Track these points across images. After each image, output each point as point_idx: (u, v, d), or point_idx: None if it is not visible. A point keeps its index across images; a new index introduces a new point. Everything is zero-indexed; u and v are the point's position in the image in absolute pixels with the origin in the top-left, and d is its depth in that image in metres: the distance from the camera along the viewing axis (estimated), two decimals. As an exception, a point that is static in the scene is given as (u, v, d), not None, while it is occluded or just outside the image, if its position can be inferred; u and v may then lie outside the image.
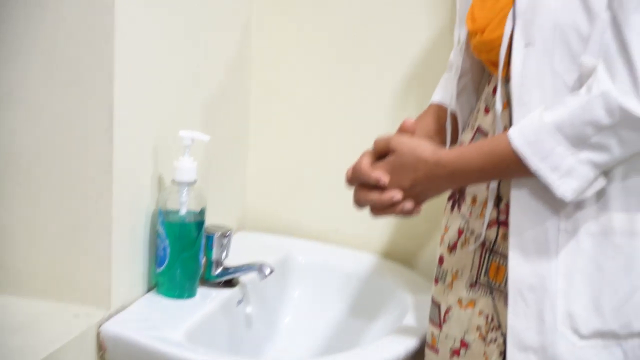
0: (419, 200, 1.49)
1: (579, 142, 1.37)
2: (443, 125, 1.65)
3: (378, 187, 1.48)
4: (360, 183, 1.50)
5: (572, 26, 1.39)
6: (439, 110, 1.67)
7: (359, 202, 1.51)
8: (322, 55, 2.10)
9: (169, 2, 1.74)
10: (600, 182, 1.40)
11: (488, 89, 1.56)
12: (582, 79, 1.39)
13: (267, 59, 2.12)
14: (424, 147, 1.48)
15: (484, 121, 1.55)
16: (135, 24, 1.61)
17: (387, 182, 1.47)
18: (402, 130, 1.54)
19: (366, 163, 1.50)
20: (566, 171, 1.38)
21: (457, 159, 1.47)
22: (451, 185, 1.52)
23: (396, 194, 1.46)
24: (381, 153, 1.51)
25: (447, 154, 1.48)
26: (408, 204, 1.47)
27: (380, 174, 1.47)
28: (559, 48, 1.41)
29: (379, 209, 1.50)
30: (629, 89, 1.33)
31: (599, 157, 1.37)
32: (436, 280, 1.64)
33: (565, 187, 1.39)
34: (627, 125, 1.35)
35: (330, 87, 2.10)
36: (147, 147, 1.71)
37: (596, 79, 1.36)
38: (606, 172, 1.41)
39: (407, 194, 1.47)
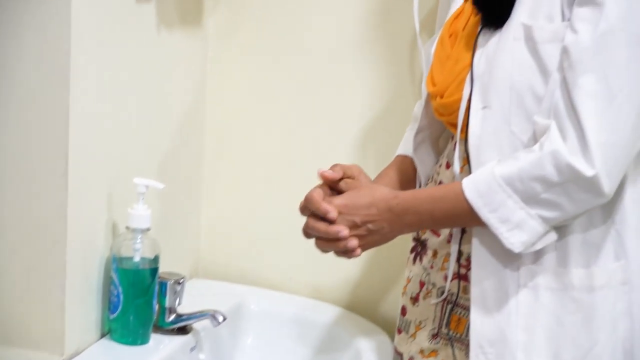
0: (366, 241, 1.49)
1: (529, 197, 1.39)
2: (406, 177, 1.66)
3: (327, 219, 1.48)
4: (311, 213, 1.51)
5: (528, 88, 1.42)
6: (402, 162, 1.69)
7: (307, 232, 1.51)
8: (276, 104, 2.12)
9: (125, 50, 1.76)
10: (551, 236, 1.42)
11: (450, 145, 1.58)
12: (536, 136, 1.41)
13: (221, 106, 2.14)
14: (382, 188, 1.51)
15: (445, 176, 1.57)
16: (90, 70, 1.63)
17: (335, 216, 1.47)
18: (324, 180, 1.55)
19: (318, 193, 1.50)
20: (516, 224, 1.40)
21: (410, 200, 1.48)
22: (402, 228, 1.51)
23: (343, 230, 1.46)
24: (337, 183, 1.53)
25: (402, 194, 1.50)
26: (353, 241, 1.47)
27: (329, 207, 1.47)
28: (516, 109, 1.43)
29: (323, 242, 1.49)
30: (577, 149, 1.36)
31: (549, 213, 1.40)
32: (399, 331, 1.65)
33: (514, 240, 1.41)
34: (575, 184, 1.37)
35: (284, 136, 2.12)
36: (101, 193, 1.72)
37: (548, 137, 1.38)
38: (561, 226, 1.43)
39: (357, 232, 1.48)
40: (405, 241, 1.65)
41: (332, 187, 1.54)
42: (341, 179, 1.54)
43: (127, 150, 1.80)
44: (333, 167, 1.55)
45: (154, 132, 1.92)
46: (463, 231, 1.52)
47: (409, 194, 1.51)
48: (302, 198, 1.52)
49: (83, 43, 1.59)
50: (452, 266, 1.54)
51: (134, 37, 1.79)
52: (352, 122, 2.06)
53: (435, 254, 1.59)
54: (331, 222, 1.47)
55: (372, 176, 1.63)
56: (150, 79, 1.88)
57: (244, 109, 2.13)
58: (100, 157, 1.69)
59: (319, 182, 1.56)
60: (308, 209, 1.50)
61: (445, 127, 1.62)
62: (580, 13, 1.38)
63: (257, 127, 2.13)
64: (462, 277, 1.53)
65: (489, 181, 1.41)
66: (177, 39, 1.96)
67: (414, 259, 1.64)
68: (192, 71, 2.08)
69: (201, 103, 2.12)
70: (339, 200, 1.49)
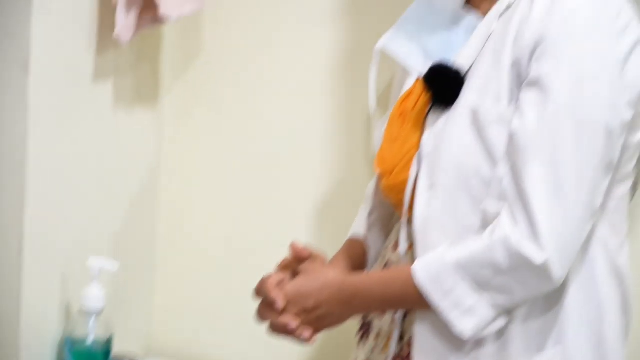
0: (319, 325, 1.49)
1: (479, 283, 1.39)
2: (356, 261, 1.65)
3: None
4: (262, 299, 1.50)
5: (475, 170, 1.42)
6: (352, 247, 1.68)
7: (259, 318, 1.51)
8: (231, 184, 2.12)
9: (81, 129, 1.76)
10: (500, 322, 1.42)
11: (398, 226, 1.58)
12: (486, 222, 1.42)
13: (176, 184, 2.13)
14: (332, 272, 1.51)
15: (393, 257, 1.57)
16: (46, 150, 1.63)
17: (281, 306, 1.47)
18: (295, 255, 1.56)
19: (273, 280, 1.50)
20: (466, 310, 1.40)
21: (359, 283, 1.49)
22: (353, 311, 1.51)
23: (291, 323, 1.46)
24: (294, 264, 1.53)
25: (352, 277, 1.51)
26: (306, 333, 1.47)
27: (278, 297, 1.47)
28: (462, 191, 1.43)
29: (274, 331, 1.49)
30: (527, 236, 1.36)
31: (500, 298, 1.40)
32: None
33: (464, 325, 1.41)
34: (526, 270, 1.37)
35: (239, 217, 2.11)
36: (55, 274, 1.70)
37: (499, 223, 1.38)
38: (508, 311, 1.43)
39: (308, 318, 1.47)
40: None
41: (294, 268, 1.54)
42: (307, 258, 1.55)
43: (81, 230, 1.79)
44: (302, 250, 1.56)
45: (108, 212, 1.91)
46: (406, 312, 1.52)
47: (358, 279, 1.51)
48: (257, 279, 1.52)
49: (40, 124, 1.59)
50: (392, 349, 1.53)
51: (90, 117, 1.80)
52: (308, 201, 2.07)
53: (378, 335, 1.58)
54: (280, 311, 1.47)
55: (329, 256, 1.63)
56: (106, 158, 1.88)
57: (199, 187, 2.13)
58: (54, 237, 1.69)
59: (273, 266, 1.56)
60: (260, 293, 1.50)
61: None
62: (528, 97, 1.39)
63: (212, 207, 2.13)
64: (405, 358, 1.52)
65: (439, 266, 1.41)
66: (133, 118, 1.97)
67: (360, 340, 1.63)
68: (148, 150, 2.08)
69: (156, 182, 2.12)
70: (290, 286, 1.49)
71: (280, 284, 1.50)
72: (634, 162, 1.50)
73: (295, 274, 1.54)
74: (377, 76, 1.64)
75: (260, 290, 1.50)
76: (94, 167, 1.83)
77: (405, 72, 1.65)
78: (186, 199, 2.14)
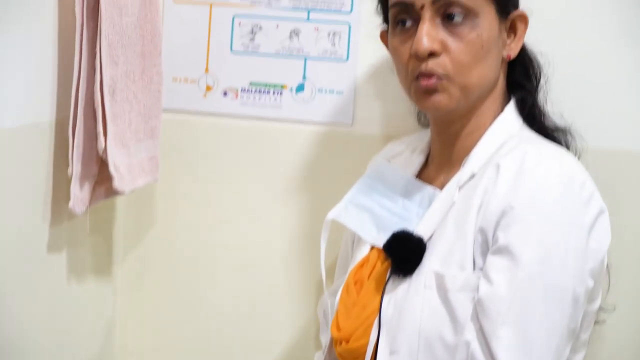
0: None
1: None
2: None
3: None
4: None
5: (438, 335, 1.43)
6: None
7: None
8: (183, 354, 2.12)
9: (34, 302, 1.77)
10: None
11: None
12: None
13: (129, 357, 2.14)
14: None
15: None
16: None
17: None
18: None
19: None
20: None
21: None
22: None
23: None
24: None
25: None
26: None
27: None
28: (425, 356, 1.44)
29: None
30: None
31: None
32: None
33: None
34: None
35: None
36: None
37: None
38: None
39: None
40: None
41: None
42: None
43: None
44: None
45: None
46: None
47: None
48: None
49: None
50: None
51: (44, 287, 1.81)
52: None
53: None
54: None
55: None
56: (59, 329, 1.88)
57: (154, 353, 2.14)
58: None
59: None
60: None
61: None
62: (495, 263, 1.41)
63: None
64: None
65: None
66: (87, 288, 1.98)
67: None
68: (101, 321, 2.08)
69: (111, 352, 2.12)
70: None
71: None
72: (589, 332, 1.54)
73: None
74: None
75: None
76: (48, 337, 1.82)
77: (354, 236, 1.69)
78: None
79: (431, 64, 1.50)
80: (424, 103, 1.54)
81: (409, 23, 1.54)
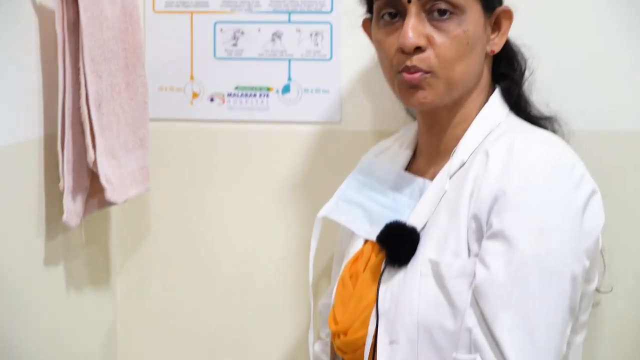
0: None
1: None
2: None
3: None
4: None
5: (437, 323, 1.45)
6: None
7: None
8: None
9: (34, 315, 1.77)
10: None
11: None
12: None
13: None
14: None
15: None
16: None
17: None
18: None
19: None
20: None
21: None
22: None
23: None
24: None
25: None
26: None
27: None
28: (424, 344, 1.45)
29: None
30: None
31: None
32: None
33: None
34: None
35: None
36: None
37: None
38: None
39: None
40: None
41: None
42: None
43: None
44: None
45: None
46: None
47: None
48: None
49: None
50: None
51: (42, 300, 1.81)
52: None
53: None
54: None
55: None
56: (60, 341, 1.88)
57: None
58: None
59: None
60: None
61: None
62: (491, 248, 1.42)
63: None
64: None
65: None
66: (86, 299, 1.99)
67: None
68: (102, 331, 2.09)
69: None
70: None
71: None
72: (589, 313, 1.55)
73: None
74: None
75: None
76: (49, 351, 1.83)
77: (348, 233, 1.70)
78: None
79: (416, 60, 1.51)
80: (409, 99, 1.55)
81: (394, 16, 1.55)
